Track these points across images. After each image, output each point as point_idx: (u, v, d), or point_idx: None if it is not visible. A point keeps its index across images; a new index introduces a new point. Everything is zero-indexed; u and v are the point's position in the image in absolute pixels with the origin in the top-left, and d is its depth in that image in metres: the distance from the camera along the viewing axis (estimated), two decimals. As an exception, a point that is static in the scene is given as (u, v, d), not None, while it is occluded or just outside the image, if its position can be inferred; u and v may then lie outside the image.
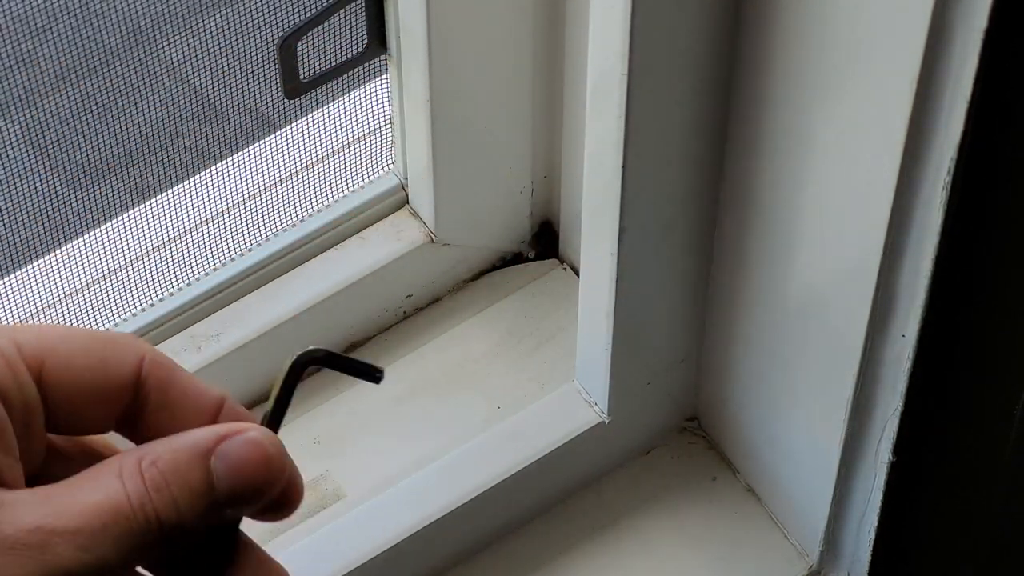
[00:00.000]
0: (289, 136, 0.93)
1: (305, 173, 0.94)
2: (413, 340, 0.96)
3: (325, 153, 0.95)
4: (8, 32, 0.78)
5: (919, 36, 0.63)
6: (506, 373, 0.94)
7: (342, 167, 0.94)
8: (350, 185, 0.95)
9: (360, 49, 0.89)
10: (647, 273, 0.82)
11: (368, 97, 0.93)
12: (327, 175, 0.94)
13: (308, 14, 0.85)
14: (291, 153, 0.93)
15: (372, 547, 0.84)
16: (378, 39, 0.89)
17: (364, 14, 0.88)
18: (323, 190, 0.94)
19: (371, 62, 0.90)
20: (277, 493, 0.54)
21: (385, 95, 0.93)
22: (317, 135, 0.93)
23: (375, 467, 0.90)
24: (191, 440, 0.54)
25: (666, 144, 0.76)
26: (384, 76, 0.92)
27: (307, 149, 0.94)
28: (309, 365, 0.57)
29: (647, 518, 0.91)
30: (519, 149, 0.93)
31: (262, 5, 0.84)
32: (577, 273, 0.95)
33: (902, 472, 0.80)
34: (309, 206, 0.94)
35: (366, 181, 0.96)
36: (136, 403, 0.56)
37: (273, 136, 0.93)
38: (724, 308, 0.85)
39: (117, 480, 0.53)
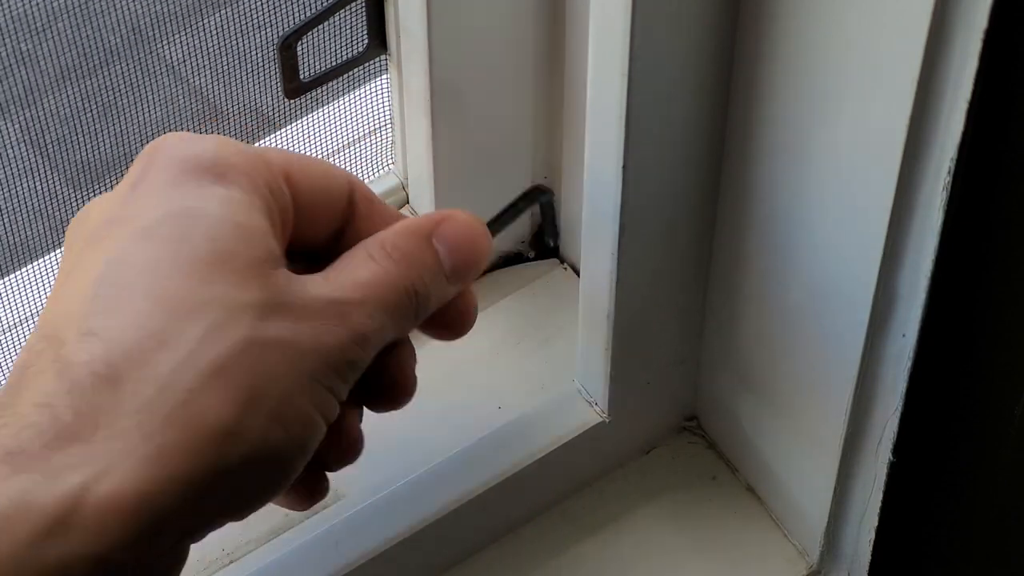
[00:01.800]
0: (289, 136, 0.93)
1: (305, 173, 0.94)
2: (412, 340, 0.96)
3: (325, 153, 0.95)
4: (8, 32, 0.78)
5: (919, 36, 0.63)
6: (506, 373, 0.94)
7: (342, 167, 0.94)
8: (350, 185, 0.95)
9: (360, 49, 0.89)
10: (647, 273, 0.82)
11: (368, 97, 0.93)
12: (327, 175, 0.94)
13: (308, 14, 0.85)
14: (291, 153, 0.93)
15: (372, 547, 0.84)
16: (378, 39, 0.89)
17: (364, 14, 0.88)
18: (323, 190, 0.94)
19: (371, 62, 0.90)
20: (477, 274, 0.66)
21: (385, 95, 0.93)
22: (317, 135, 0.93)
23: (375, 467, 0.90)
24: (414, 225, 0.62)
25: (666, 144, 0.76)
26: (384, 76, 0.92)
27: (307, 149, 0.93)
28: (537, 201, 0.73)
29: (647, 518, 0.91)
30: (519, 149, 0.93)
31: (262, 5, 0.84)
32: (577, 273, 0.95)
33: (902, 472, 0.80)
34: (309, 206, 0.94)
35: (366, 181, 0.95)
36: (349, 212, 0.63)
37: (273, 136, 0.93)
38: (724, 308, 0.85)
39: (372, 262, 0.60)
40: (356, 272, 0.60)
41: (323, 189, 0.63)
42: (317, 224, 0.63)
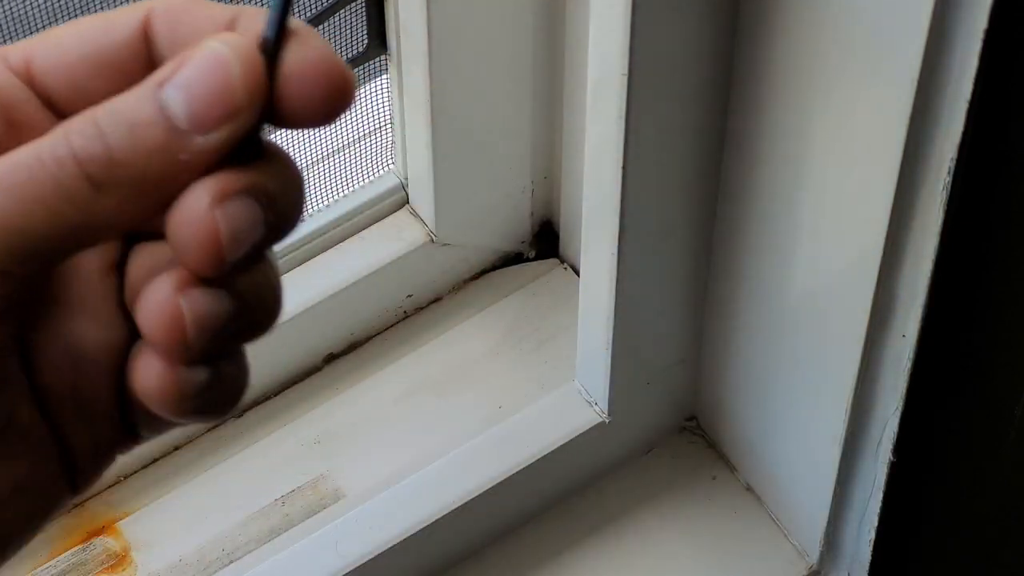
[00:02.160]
0: (289, 136, 0.93)
1: (305, 173, 0.94)
2: (413, 340, 0.96)
3: (325, 153, 0.95)
4: (8, 32, 0.78)
5: (919, 36, 0.63)
6: (506, 373, 0.94)
7: (342, 167, 0.94)
8: (350, 185, 0.95)
9: (360, 49, 0.89)
10: (647, 273, 0.82)
11: (368, 97, 0.93)
12: (327, 175, 0.94)
13: (308, 14, 0.85)
14: (291, 153, 0.93)
15: (372, 547, 0.84)
16: (378, 39, 0.89)
17: (364, 14, 0.88)
18: (323, 190, 0.94)
19: (371, 62, 0.90)
20: (264, 104, 0.44)
21: (385, 95, 0.93)
22: (317, 135, 0.93)
23: (375, 467, 0.90)
24: (146, 80, 0.43)
25: (666, 144, 0.76)
26: (384, 76, 0.92)
27: (307, 149, 0.93)
28: None
29: (647, 517, 0.91)
30: (519, 149, 0.93)
31: (262, 5, 0.84)
32: (577, 273, 0.95)
33: (902, 472, 0.80)
34: (309, 206, 0.94)
35: (366, 181, 0.96)
36: (150, 59, 0.46)
37: (273, 136, 0.93)
38: (724, 308, 0.85)
39: (32, 146, 0.43)
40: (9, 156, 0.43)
41: (88, 52, 0.46)
42: (91, 92, 0.46)
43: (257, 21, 0.45)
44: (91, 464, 0.47)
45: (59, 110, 0.46)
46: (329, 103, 0.44)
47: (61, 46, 0.46)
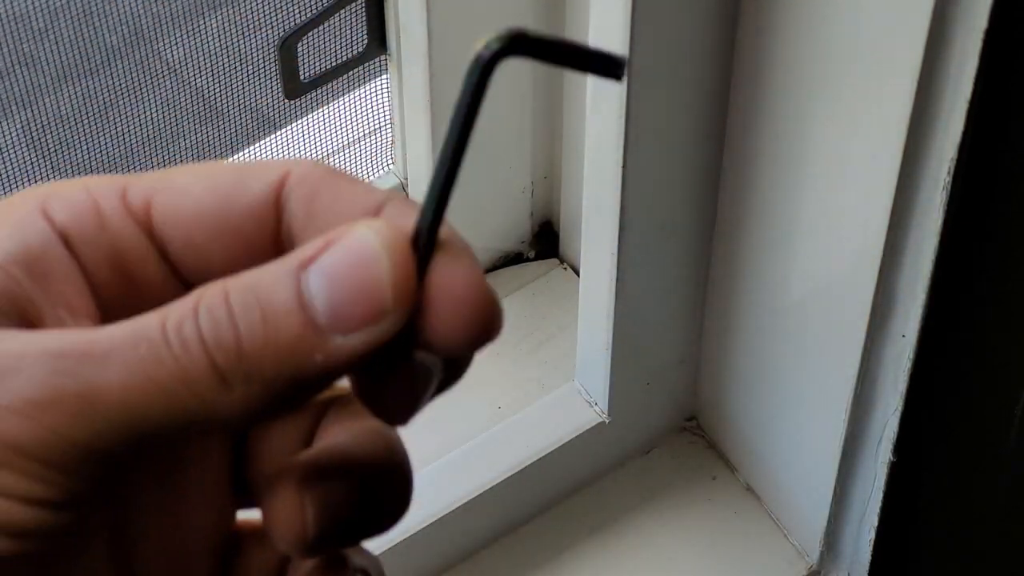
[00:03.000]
0: (289, 136, 0.93)
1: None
2: (413, 340, 0.96)
3: (325, 153, 0.95)
4: (9, 32, 0.78)
5: (919, 36, 0.63)
6: (506, 373, 0.94)
7: (342, 167, 0.94)
8: (350, 185, 0.95)
9: (360, 49, 0.89)
10: (647, 273, 0.82)
11: (368, 97, 0.93)
12: (327, 175, 0.94)
13: (308, 14, 0.85)
14: (291, 153, 0.93)
15: (372, 547, 0.84)
16: (378, 39, 0.89)
17: (364, 14, 0.88)
18: (323, 190, 0.94)
19: (371, 62, 0.90)
20: (408, 309, 0.37)
21: (385, 95, 0.93)
22: (317, 135, 0.93)
23: (375, 467, 0.90)
24: (285, 257, 0.38)
25: (666, 144, 0.76)
26: (384, 76, 0.92)
27: (307, 149, 0.93)
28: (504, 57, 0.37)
29: (647, 518, 0.91)
30: (519, 149, 0.93)
31: (262, 5, 0.84)
32: (577, 273, 0.95)
33: (902, 472, 0.80)
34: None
35: (366, 181, 0.96)
36: (279, 227, 0.40)
37: (273, 136, 0.93)
38: (724, 308, 0.85)
39: (158, 315, 0.37)
40: (112, 332, 0.37)
41: (211, 208, 0.40)
42: (210, 253, 0.41)
43: (407, 212, 0.39)
44: None
45: (172, 262, 0.41)
46: (474, 330, 0.38)
47: (188, 195, 0.40)
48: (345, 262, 0.37)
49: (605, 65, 0.37)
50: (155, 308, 0.37)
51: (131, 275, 0.40)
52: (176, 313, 0.36)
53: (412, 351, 0.39)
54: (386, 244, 0.37)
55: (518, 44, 0.36)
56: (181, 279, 0.41)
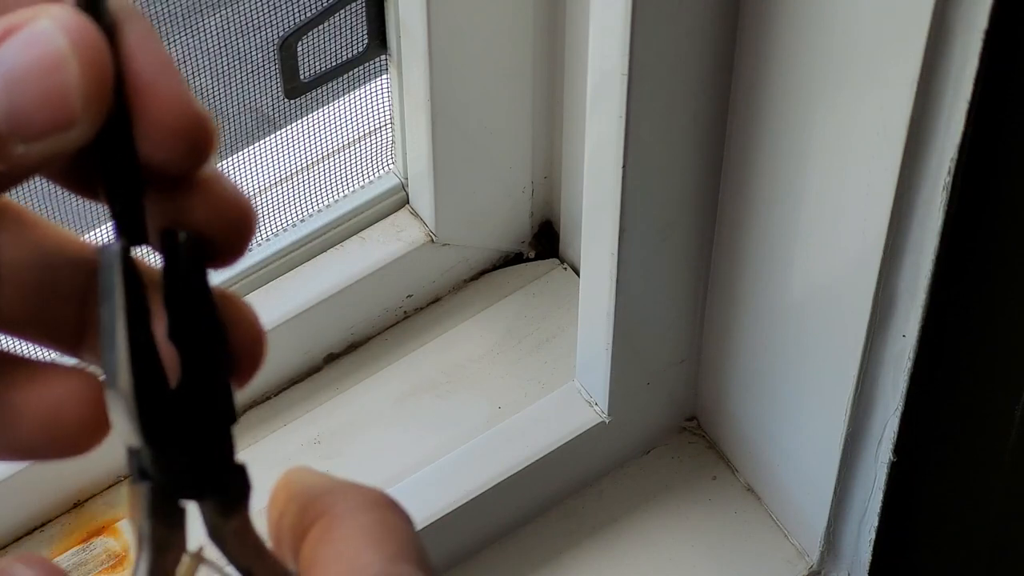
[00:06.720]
0: (289, 136, 0.93)
1: (305, 173, 0.94)
2: (413, 340, 0.96)
3: (325, 153, 0.95)
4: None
5: (919, 36, 0.63)
6: (506, 373, 0.94)
7: (342, 167, 0.94)
8: (350, 185, 0.95)
9: (360, 49, 0.89)
10: (647, 273, 0.82)
11: (368, 97, 0.93)
12: (327, 175, 0.94)
13: (308, 14, 0.85)
14: (291, 153, 0.93)
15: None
16: (378, 39, 0.89)
17: (364, 14, 0.88)
18: (323, 190, 0.94)
19: (371, 62, 0.90)
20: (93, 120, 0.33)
21: (385, 95, 0.93)
22: (317, 135, 0.93)
23: (375, 467, 0.90)
24: None
25: (666, 144, 0.76)
26: (384, 76, 0.92)
27: (307, 149, 0.93)
28: None
29: (647, 518, 0.91)
30: (519, 149, 0.93)
31: (262, 5, 0.84)
32: (577, 273, 0.95)
33: (902, 472, 0.80)
34: (309, 206, 0.94)
35: (366, 181, 0.95)
36: None
37: (273, 136, 0.93)
38: (724, 308, 0.85)
39: None
40: None
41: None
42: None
43: None
44: None
45: None
46: (188, 141, 0.34)
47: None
48: (25, 62, 0.32)
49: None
50: None
51: None
52: None
53: (127, 151, 0.34)
54: (74, 41, 0.32)
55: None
56: None
